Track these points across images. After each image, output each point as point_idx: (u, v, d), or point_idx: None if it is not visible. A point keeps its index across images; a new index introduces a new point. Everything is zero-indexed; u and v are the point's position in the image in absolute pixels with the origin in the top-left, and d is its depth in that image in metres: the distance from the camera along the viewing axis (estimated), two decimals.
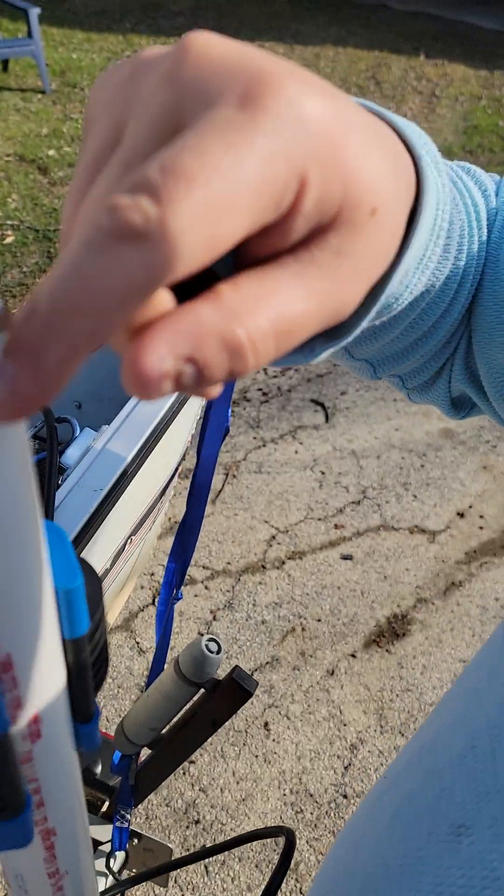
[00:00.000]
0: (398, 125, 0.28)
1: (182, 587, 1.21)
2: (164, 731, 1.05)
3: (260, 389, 2.96)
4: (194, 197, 0.16)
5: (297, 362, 0.32)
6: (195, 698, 0.97)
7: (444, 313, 0.39)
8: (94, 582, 0.29)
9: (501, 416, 0.46)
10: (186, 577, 1.39)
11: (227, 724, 1.72)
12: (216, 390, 0.21)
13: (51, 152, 4.60)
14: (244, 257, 0.21)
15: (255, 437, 2.73)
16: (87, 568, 0.28)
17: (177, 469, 1.01)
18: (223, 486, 2.51)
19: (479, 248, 0.38)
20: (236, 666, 0.91)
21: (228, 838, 0.84)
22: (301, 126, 0.19)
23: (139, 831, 1.38)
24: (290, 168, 0.18)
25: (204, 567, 2.24)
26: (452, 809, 0.34)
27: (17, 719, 0.25)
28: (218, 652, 0.90)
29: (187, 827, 1.64)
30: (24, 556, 0.21)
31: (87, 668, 0.29)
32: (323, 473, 2.62)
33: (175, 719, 1.01)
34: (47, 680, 0.26)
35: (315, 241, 0.21)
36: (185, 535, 1.10)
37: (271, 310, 0.19)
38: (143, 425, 0.73)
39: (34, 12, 5.25)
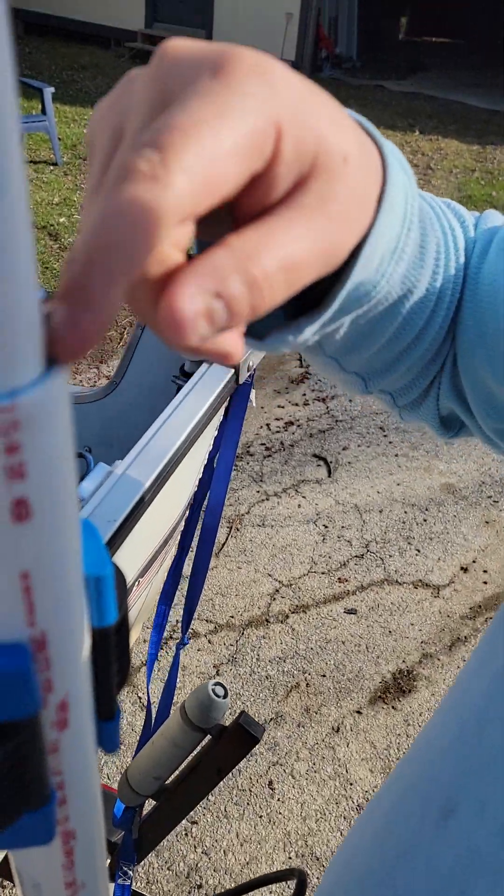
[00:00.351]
0: (372, 131, 0.32)
1: (188, 632, 1.20)
2: (168, 781, 1.03)
3: (263, 444, 2.98)
4: (188, 144, 0.19)
5: (285, 341, 0.34)
6: (200, 745, 0.96)
7: (425, 325, 0.41)
8: (120, 579, 0.30)
9: (487, 435, 0.49)
10: (189, 630, 1.38)
11: (230, 782, 1.69)
12: (238, 346, 0.24)
13: (62, 219, 4.76)
14: (243, 217, 0.24)
15: (258, 491, 2.74)
16: (113, 565, 0.30)
17: (185, 512, 1.03)
18: (227, 539, 2.51)
19: (457, 270, 0.41)
20: (243, 711, 0.91)
21: (240, 884, 0.82)
22: (266, 83, 0.22)
23: (141, 893, 1.33)
24: (264, 117, 0.21)
25: (207, 620, 2.22)
26: (440, 792, 0.35)
27: (47, 703, 0.27)
28: (224, 696, 0.90)
29: (189, 892, 1.59)
30: (65, 533, 0.23)
31: (111, 661, 0.30)
32: (326, 527, 2.62)
33: (180, 768, 0.99)
34: (77, 666, 0.27)
35: (300, 190, 0.24)
36: (191, 577, 1.10)
37: (276, 249, 0.22)
38: (157, 459, 0.75)
39: (48, 91, 5.52)
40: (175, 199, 0.19)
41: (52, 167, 5.59)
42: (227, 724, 0.91)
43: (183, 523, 1.02)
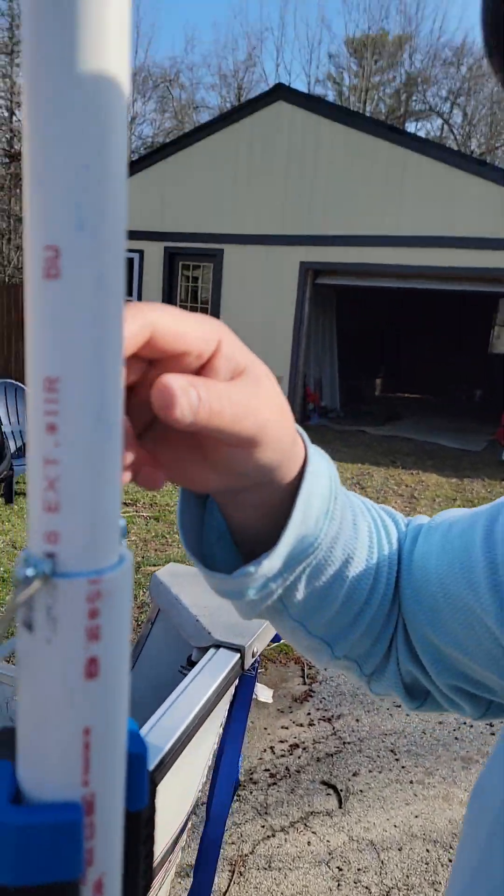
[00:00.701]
0: (304, 437, 0.47)
1: None
2: None
3: (267, 770, 2.80)
4: (217, 404, 0.35)
5: (248, 573, 0.45)
6: None
7: (369, 593, 0.53)
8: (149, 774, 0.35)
9: (447, 696, 0.57)
10: None
11: None
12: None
13: None
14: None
15: (262, 826, 2.50)
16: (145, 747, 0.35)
17: (187, 821, 0.97)
18: (229, 886, 2.23)
19: (390, 553, 0.55)
20: None
21: None
22: (259, 389, 0.38)
23: None
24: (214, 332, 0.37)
25: None
26: None
27: (87, 879, 0.30)
28: None
29: None
30: (121, 694, 0.29)
31: (140, 853, 0.33)
32: (340, 870, 2.34)
33: None
34: (114, 844, 0.31)
35: (238, 377, 0.38)
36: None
37: (220, 390, 0.35)
38: (163, 740, 0.75)
39: None
40: (211, 412, 0.35)
41: None
42: None
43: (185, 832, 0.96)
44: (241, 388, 0.37)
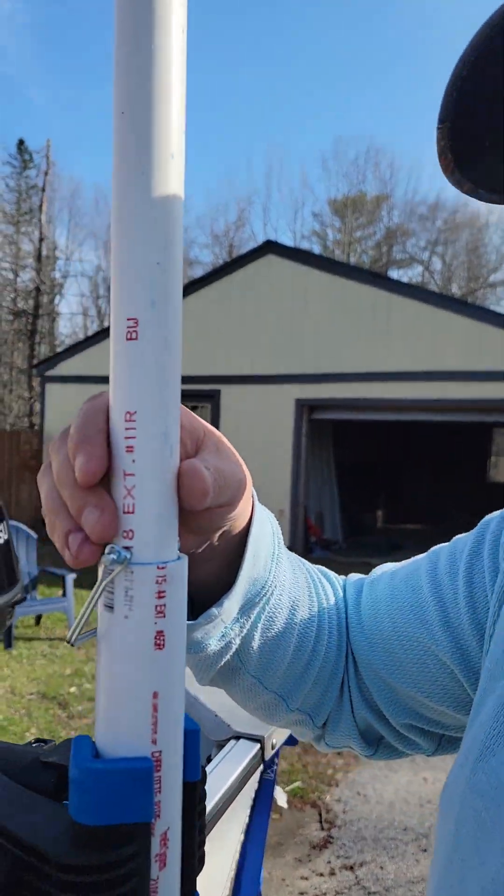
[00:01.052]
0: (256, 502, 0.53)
1: None
2: None
3: None
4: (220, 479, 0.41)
5: (211, 615, 0.50)
6: None
7: (315, 640, 0.59)
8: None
9: (402, 735, 0.63)
10: None
11: None
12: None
13: (72, 689, 4.90)
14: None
15: None
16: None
17: None
18: None
19: (328, 605, 0.62)
20: None
21: None
22: (225, 450, 0.44)
23: None
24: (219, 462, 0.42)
25: None
26: None
27: (155, 829, 0.35)
28: None
29: None
30: (180, 666, 0.37)
31: (195, 820, 0.39)
32: None
33: None
34: (176, 804, 0.36)
35: (201, 446, 0.43)
36: None
37: (216, 466, 0.41)
38: None
39: (70, 577, 6.25)
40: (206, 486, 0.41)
41: (66, 643, 5.96)
42: None
43: None
44: (219, 457, 0.43)
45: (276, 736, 0.96)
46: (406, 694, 0.59)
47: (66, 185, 33.26)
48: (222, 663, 0.54)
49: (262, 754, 0.93)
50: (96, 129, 43.69)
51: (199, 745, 0.39)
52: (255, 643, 0.55)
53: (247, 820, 1.07)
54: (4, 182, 26.97)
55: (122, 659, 0.35)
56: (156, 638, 0.35)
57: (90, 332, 27.70)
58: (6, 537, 1.69)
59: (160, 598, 0.35)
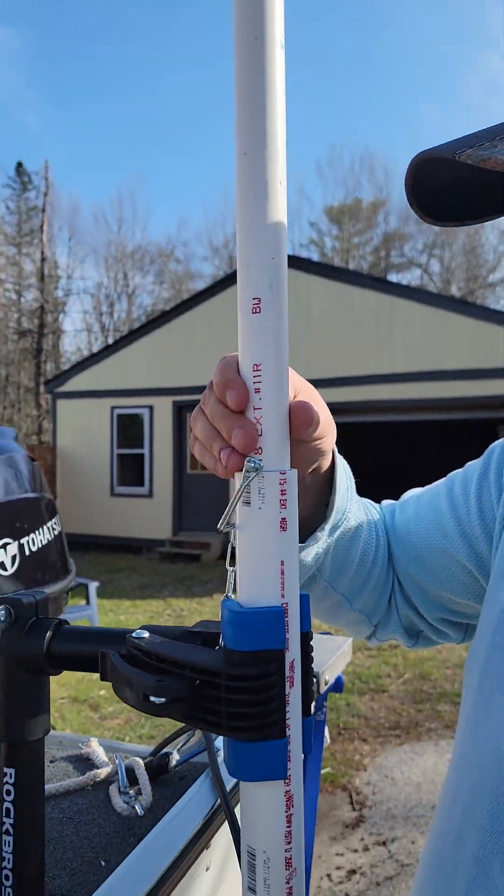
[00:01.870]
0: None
1: None
2: None
3: None
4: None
5: (316, 538, 0.66)
6: None
7: (374, 553, 0.76)
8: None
9: (437, 628, 0.79)
10: None
11: None
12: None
13: (101, 692, 5.03)
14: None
15: None
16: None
17: None
18: None
19: (377, 524, 0.78)
20: None
21: None
22: (315, 397, 0.58)
23: None
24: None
25: None
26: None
27: (286, 658, 0.50)
28: None
29: None
30: (295, 544, 0.51)
31: (309, 660, 0.53)
32: None
33: None
34: (298, 640, 0.51)
35: (302, 393, 0.56)
36: None
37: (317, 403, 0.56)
38: None
39: (93, 585, 6.39)
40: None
41: None
42: None
43: None
44: (314, 402, 0.58)
45: (329, 673, 1.09)
46: (436, 593, 0.75)
47: (65, 205, 33.63)
48: (306, 577, 0.70)
49: (318, 688, 1.07)
50: (91, 148, 44.19)
51: (309, 606, 0.53)
52: (330, 556, 0.71)
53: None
54: (5, 204, 27.30)
55: (257, 539, 0.50)
56: (280, 523, 0.50)
57: (95, 348, 27.95)
58: (59, 529, 1.83)
59: (283, 494, 0.50)
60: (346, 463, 0.72)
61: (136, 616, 7.27)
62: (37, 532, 1.69)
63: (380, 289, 10.49)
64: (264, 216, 0.50)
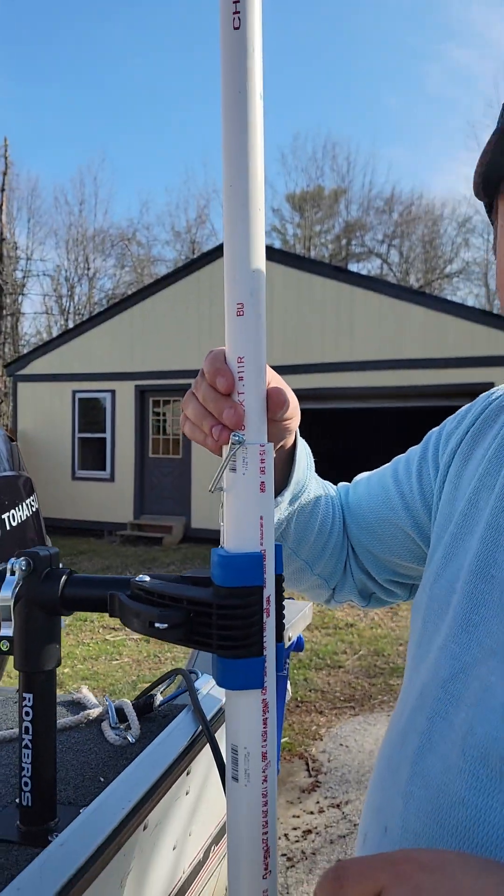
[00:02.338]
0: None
1: None
2: None
3: (284, 855, 2.89)
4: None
5: (277, 503, 0.79)
6: None
7: (331, 524, 0.89)
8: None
9: (387, 589, 0.93)
10: None
11: None
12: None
13: (66, 670, 5.12)
14: None
15: None
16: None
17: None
18: None
19: (334, 499, 0.91)
20: None
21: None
22: (284, 383, 0.91)
23: None
24: None
25: None
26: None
27: (263, 592, 0.62)
28: None
29: None
30: (271, 501, 0.64)
31: (282, 600, 0.66)
32: None
33: None
34: (272, 581, 0.64)
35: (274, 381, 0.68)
36: None
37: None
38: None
39: None
40: None
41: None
42: None
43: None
44: (285, 388, 0.71)
45: (291, 631, 1.22)
46: (384, 558, 0.89)
47: (24, 185, 32.91)
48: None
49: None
50: (51, 127, 43.36)
51: (282, 554, 0.66)
52: (293, 525, 0.83)
53: None
54: None
55: (241, 499, 0.62)
56: (260, 486, 0.62)
57: (55, 331, 27.57)
58: (37, 507, 1.93)
59: (262, 463, 0.62)
60: (305, 443, 0.84)
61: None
62: (16, 508, 1.78)
63: (340, 278, 10.66)
64: (246, 236, 0.62)
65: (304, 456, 0.83)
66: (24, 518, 1.81)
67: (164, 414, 12.12)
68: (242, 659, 0.61)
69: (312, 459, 0.87)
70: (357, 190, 29.85)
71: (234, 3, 0.60)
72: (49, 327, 28.54)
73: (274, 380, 0.69)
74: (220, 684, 0.62)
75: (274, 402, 0.64)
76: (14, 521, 1.77)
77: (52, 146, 42.96)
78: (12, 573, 0.69)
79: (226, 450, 0.63)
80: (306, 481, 0.83)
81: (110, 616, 0.67)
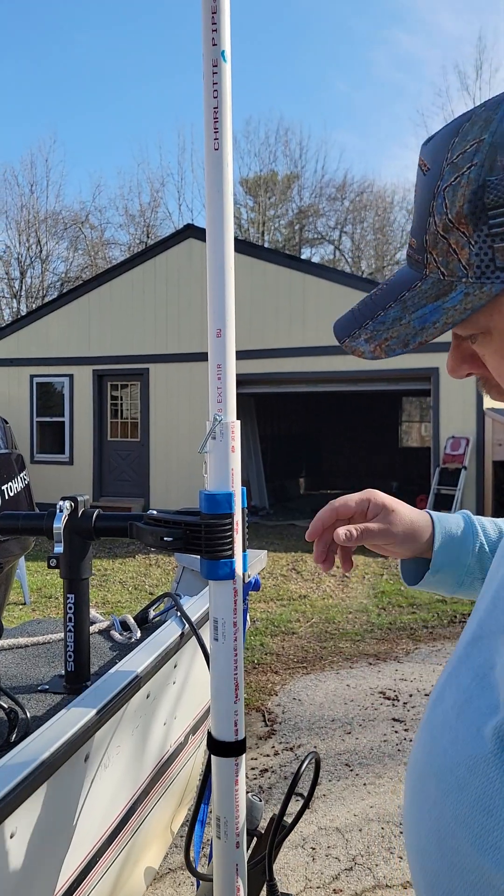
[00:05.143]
0: (435, 516, 0.93)
1: None
2: None
3: None
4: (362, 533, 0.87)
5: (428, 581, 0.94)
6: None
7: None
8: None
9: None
10: None
11: None
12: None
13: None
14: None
15: None
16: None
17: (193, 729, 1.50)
18: None
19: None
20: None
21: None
22: (390, 515, 0.88)
23: None
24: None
25: None
26: None
27: (233, 515, 0.96)
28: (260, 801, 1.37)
29: None
30: (237, 468, 0.98)
31: (244, 524, 1.00)
32: (314, 849, 2.83)
33: None
34: (240, 510, 0.98)
35: (379, 517, 0.88)
36: None
37: (364, 526, 0.86)
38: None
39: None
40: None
41: (21, 606, 6.43)
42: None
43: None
44: (378, 520, 0.84)
45: (251, 570, 1.57)
46: None
47: None
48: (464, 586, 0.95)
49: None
50: (1, 103, 42.41)
51: (246, 495, 1.00)
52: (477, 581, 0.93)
53: None
54: None
55: (219, 457, 0.96)
56: (231, 448, 0.96)
57: (7, 314, 27.25)
58: (28, 481, 2.23)
59: (232, 433, 0.96)
60: (457, 516, 0.92)
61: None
62: (13, 482, 2.07)
63: (294, 266, 11.01)
64: (222, 283, 0.95)
65: (452, 527, 0.90)
66: (18, 490, 2.10)
67: (121, 398, 12.33)
68: (221, 560, 0.95)
69: (472, 517, 0.93)
70: (309, 176, 30.20)
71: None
72: (0, 310, 28.23)
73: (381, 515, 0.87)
74: (206, 577, 0.96)
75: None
76: (10, 492, 2.07)
77: (1, 125, 42.07)
78: (60, 511, 1.01)
79: (208, 425, 0.97)
80: (465, 529, 0.91)
81: (129, 538, 1.00)
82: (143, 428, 11.95)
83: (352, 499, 0.85)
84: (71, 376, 12.27)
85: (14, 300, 28.45)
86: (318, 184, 29.49)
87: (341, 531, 0.81)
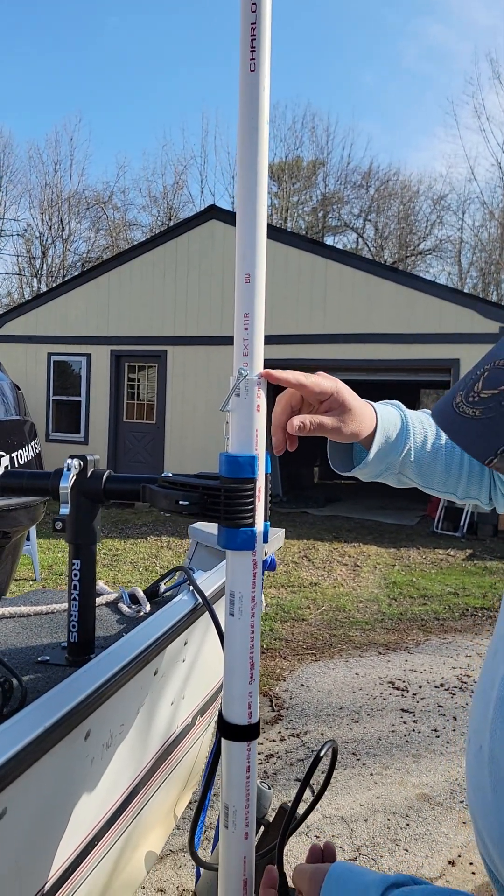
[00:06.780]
0: (375, 406, 1.00)
1: None
2: None
3: None
4: (312, 423, 0.94)
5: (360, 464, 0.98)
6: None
7: (460, 465, 1.03)
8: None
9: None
10: None
11: None
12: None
13: None
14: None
15: None
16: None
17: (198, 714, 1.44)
18: None
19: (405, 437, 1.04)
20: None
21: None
22: (346, 413, 0.95)
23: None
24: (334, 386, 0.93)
25: None
26: None
27: (256, 481, 0.89)
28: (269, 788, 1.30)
29: None
30: (264, 432, 0.90)
31: (268, 490, 0.92)
32: (318, 837, 2.77)
33: None
34: (263, 476, 0.90)
35: (334, 411, 0.92)
36: None
37: (316, 418, 0.92)
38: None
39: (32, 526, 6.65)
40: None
41: (31, 582, 6.41)
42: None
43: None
44: (333, 415, 0.89)
45: (267, 549, 1.49)
46: None
47: None
48: (395, 472, 1.00)
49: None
50: (27, 84, 42.25)
51: (270, 459, 0.92)
52: (410, 467, 0.99)
53: None
54: None
55: (243, 416, 0.88)
56: (256, 407, 0.88)
57: (27, 293, 27.26)
58: (39, 449, 2.17)
59: (259, 389, 0.88)
60: (394, 410, 1.01)
61: None
62: (23, 449, 2.01)
63: (316, 251, 10.86)
64: (254, 228, 0.87)
65: (391, 423, 0.98)
66: (29, 457, 2.04)
67: (138, 380, 12.27)
68: (241, 528, 0.87)
69: (406, 412, 1.02)
70: (335, 163, 29.88)
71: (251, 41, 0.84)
72: (21, 288, 28.23)
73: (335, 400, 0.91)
74: (223, 547, 0.89)
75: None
76: (21, 459, 2.01)
77: (27, 103, 41.94)
78: (68, 469, 0.94)
79: (232, 380, 0.89)
80: (399, 432, 0.98)
81: (141, 501, 0.92)
82: (159, 411, 11.89)
83: (319, 385, 0.90)
84: (88, 356, 12.22)
85: (34, 279, 28.43)
86: (344, 171, 29.15)
87: (296, 420, 0.88)
